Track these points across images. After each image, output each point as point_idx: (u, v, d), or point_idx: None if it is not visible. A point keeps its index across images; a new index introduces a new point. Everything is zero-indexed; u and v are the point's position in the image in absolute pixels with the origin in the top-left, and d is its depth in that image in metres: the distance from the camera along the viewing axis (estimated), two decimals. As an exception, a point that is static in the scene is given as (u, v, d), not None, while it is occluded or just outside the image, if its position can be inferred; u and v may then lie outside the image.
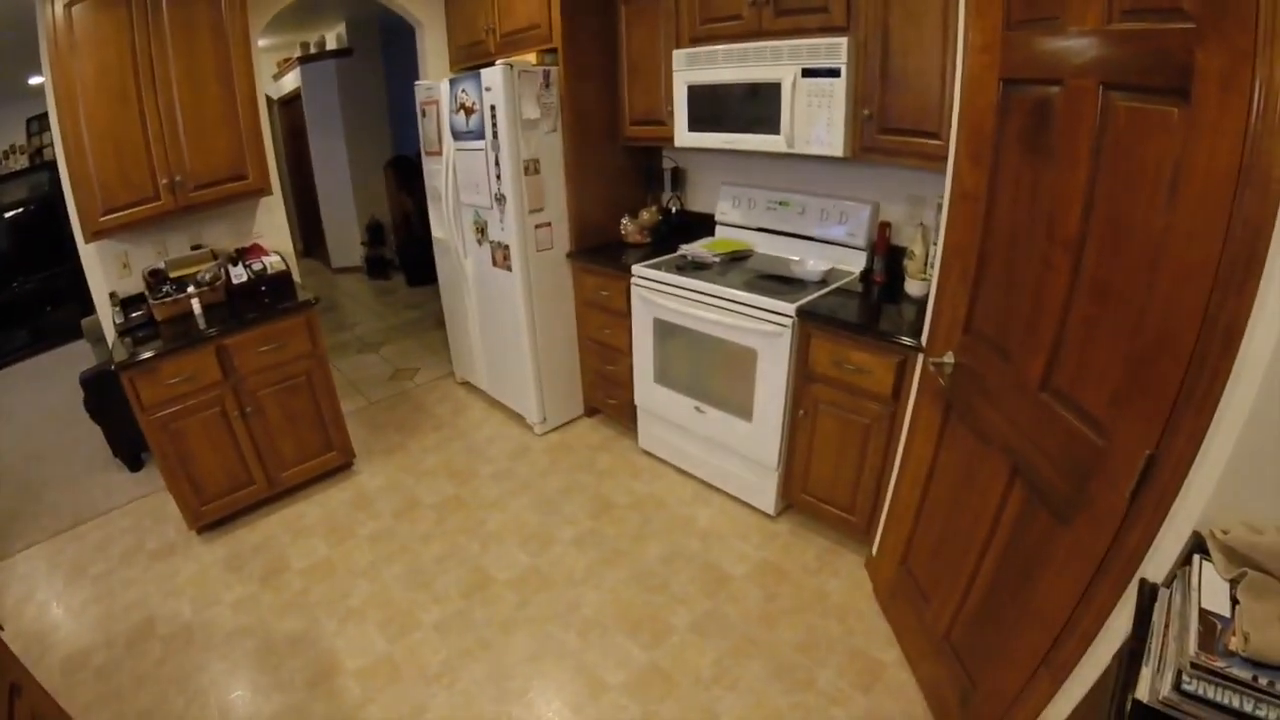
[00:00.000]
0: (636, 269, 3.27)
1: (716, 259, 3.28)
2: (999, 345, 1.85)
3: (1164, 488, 1.26)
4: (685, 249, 3.42)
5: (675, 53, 3.11)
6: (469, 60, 4.11)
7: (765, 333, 2.78)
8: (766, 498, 3.12)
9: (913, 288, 2.71)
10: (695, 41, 3.06)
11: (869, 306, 2.76)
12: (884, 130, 2.54)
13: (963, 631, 2.05)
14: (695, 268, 3.22)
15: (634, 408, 3.65)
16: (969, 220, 1.97)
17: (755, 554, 2.94)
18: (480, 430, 4.10)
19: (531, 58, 3.46)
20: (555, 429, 4.03)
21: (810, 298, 2.77)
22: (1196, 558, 1.12)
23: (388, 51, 7.13)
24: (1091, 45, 1.41)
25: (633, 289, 3.31)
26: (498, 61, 3.18)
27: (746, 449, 3.07)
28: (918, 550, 2.37)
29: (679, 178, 3.94)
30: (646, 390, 3.50)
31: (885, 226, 2.91)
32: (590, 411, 4.17)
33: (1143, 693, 1.04)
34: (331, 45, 7.04)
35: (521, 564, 2.94)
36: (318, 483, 3.57)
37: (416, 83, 3.91)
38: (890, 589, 2.56)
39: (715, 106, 3.03)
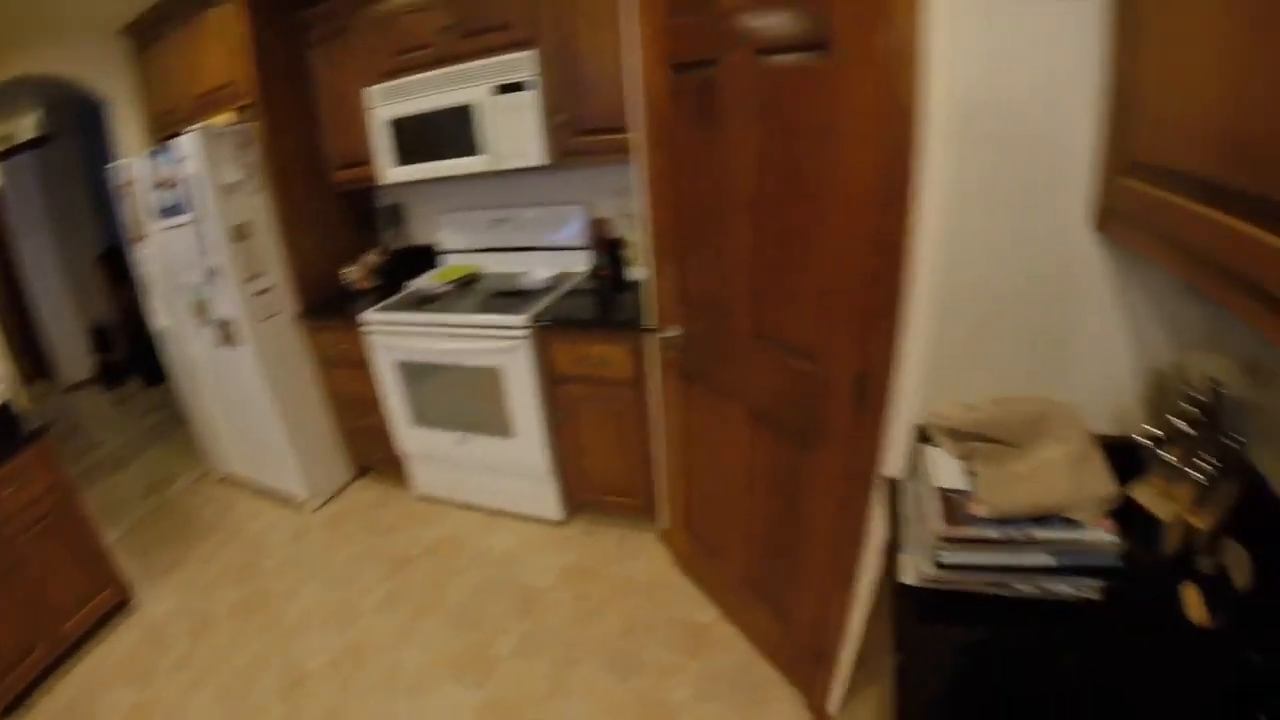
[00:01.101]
0: (368, 316, 3.03)
1: (446, 288, 3.15)
2: (714, 307, 1.94)
3: (880, 394, 1.38)
4: (413, 285, 3.25)
5: (371, 90, 2.93)
6: (166, 130, 3.50)
7: (504, 349, 2.71)
8: (551, 506, 3.06)
9: (636, 274, 2.79)
10: (389, 76, 2.89)
11: (599, 301, 2.80)
12: (580, 132, 2.58)
13: (758, 573, 2.14)
14: (426, 301, 3.06)
15: (401, 456, 3.44)
16: (665, 199, 2.05)
17: (556, 562, 2.87)
18: (253, 522, 3.61)
19: (230, 116, 3.10)
20: (329, 499, 3.65)
21: (541, 305, 2.76)
22: (925, 447, 1.22)
23: (89, 134, 5.97)
24: (744, 18, 1.50)
25: (368, 337, 3.08)
26: (190, 128, 2.82)
27: (518, 465, 3.00)
28: (698, 511, 2.45)
29: (398, 215, 3.72)
30: (407, 435, 3.28)
31: (602, 222, 2.97)
32: (361, 471, 3.83)
33: (908, 576, 1.10)
34: (31, 134, 5.73)
35: (333, 646, 2.63)
36: (103, 626, 2.92)
37: (110, 165, 3.33)
38: (686, 554, 2.62)
39: (418, 138, 2.90)
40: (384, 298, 3.23)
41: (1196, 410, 1.06)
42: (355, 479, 3.83)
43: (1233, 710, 0.84)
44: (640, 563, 2.78)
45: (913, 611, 1.08)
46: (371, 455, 3.64)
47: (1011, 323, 1.21)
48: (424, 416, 3.17)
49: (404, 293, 3.24)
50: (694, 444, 2.32)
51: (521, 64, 2.55)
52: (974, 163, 1.11)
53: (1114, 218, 1.01)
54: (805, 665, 1.99)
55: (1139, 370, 1.19)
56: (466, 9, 2.65)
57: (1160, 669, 0.93)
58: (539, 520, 3.14)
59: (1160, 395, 1.14)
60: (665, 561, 2.75)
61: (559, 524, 3.10)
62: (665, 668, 2.28)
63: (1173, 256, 0.82)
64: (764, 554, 2.07)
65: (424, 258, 3.62)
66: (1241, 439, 1.03)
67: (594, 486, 2.94)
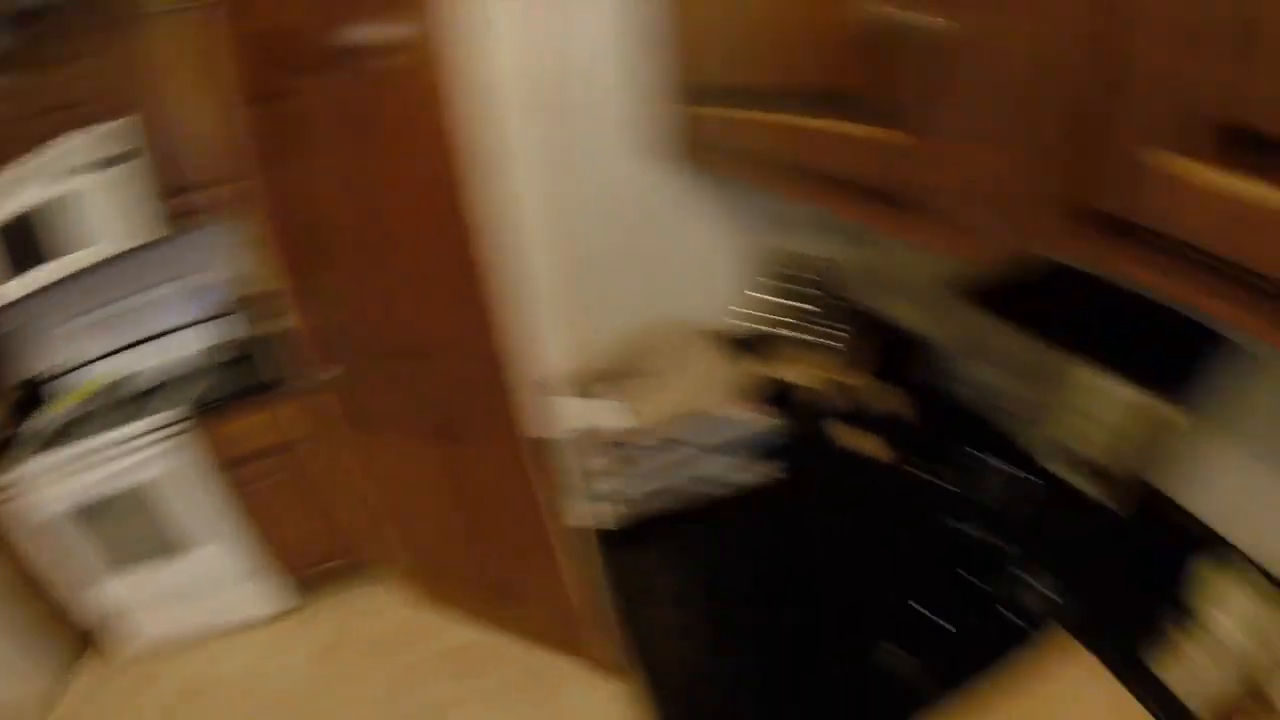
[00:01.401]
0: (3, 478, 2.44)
1: (80, 410, 2.70)
2: (356, 338, 1.94)
3: (502, 367, 1.48)
4: (39, 423, 2.70)
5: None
6: None
7: (158, 455, 2.41)
8: (270, 601, 2.76)
9: (282, 326, 2.60)
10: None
11: (249, 368, 2.58)
12: (189, 190, 2.38)
13: (492, 572, 2.19)
14: (59, 437, 2.54)
15: (104, 615, 2.80)
16: (288, 240, 1.96)
17: (298, 655, 2.61)
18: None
19: None
20: (51, 702, 2.80)
21: (187, 394, 2.51)
22: (570, 399, 1.30)
23: None
24: (316, 38, 1.51)
25: (12, 502, 2.48)
26: None
27: (221, 573, 2.66)
28: (420, 541, 2.40)
29: (6, 346, 3.06)
30: (99, 591, 2.68)
31: (237, 281, 2.74)
32: (78, 651, 2.97)
33: (606, 521, 1.14)
34: None
35: None
36: None
37: None
38: (426, 587, 2.57)
39: (14, 245, 2.39)
40: (12, 449, 2.63)
41: (815, 289, 1.28)
42: (71, 664, 3.05)
43: (929, 526, 0.97)
44: (383, 617, 2.65)
45: (618, 548, 1.12)
46: (74, 631, 2.90)
47: (621, 265, 1.38)
48: (106, 563, 2.63)
49: (32, 436, 2.65)
50: (386, 477, 2.28)
51: (119, 135, 2.29)
52: (549, 128, 1.26)
53: (697, 149, 1.19)
54: (572, 633, 2.06)
55: (754, 269, 1.40)
56: (41, 87, 2.27)
57: (859, 515, 1.05)
58: (263, 622, 2.81)
59: (781, 284, 1.35)
60: (407, 603, 2.65)
61: (288, 614, 2.81)
62: (448, 700, 2.22)
63: (751, 169, 0.95)
64: (488, 553, 2.12)
65: (54, 386, 3.01)
66: (861, 299, 1.25)
67: (306, 561, 2.73)
